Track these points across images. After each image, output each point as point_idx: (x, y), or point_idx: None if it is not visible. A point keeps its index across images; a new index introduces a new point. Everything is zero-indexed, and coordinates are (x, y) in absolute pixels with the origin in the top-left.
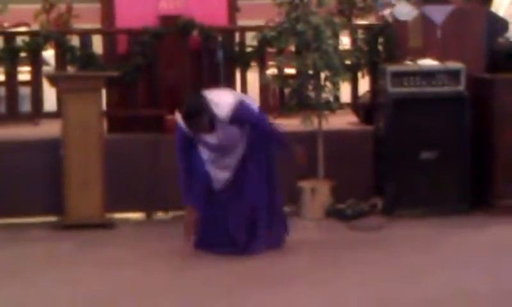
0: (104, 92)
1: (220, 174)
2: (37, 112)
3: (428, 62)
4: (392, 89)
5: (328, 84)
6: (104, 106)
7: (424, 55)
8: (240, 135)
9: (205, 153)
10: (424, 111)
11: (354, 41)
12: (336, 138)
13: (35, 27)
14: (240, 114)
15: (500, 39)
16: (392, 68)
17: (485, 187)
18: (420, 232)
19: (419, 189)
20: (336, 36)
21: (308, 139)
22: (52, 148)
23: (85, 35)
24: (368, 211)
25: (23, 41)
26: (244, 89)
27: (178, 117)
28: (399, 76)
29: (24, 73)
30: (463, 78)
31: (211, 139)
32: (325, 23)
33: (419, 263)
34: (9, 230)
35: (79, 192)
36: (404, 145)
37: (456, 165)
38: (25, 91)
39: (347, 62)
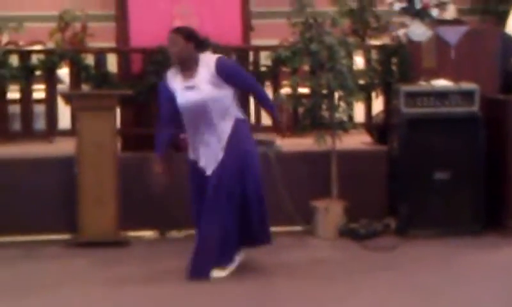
0: (118, 111)
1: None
2: (51, 130)
3: (442, 83)
4: (406, 110)
5: (342, 103)
6: (118, 125)
7: (437, 75)
8: (217, 100)
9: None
10: (437, 132)
11: (368, 61)
12: (349, 158)
13: (50, 45)
14: (226, 64)
15: None
16: (405, 88)
17: (499, 207)
18: (434, 252)
19: (433, 209)
20: (350, 56)
21: (321, 158)
22: (66, 166)
23: (100, 54)
24: (382, 231)
25: (38, 59)
26: (257, 107)
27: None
28: (412, 96)
29: (39, 91)
30: (476, 99)
31: (188, 82)
32: (339, 43)
33: (432, 283)
34: (23, 247)
35: (93, 209)
36: (418, 165)
37: (470, 186)
38: (39, 109)
39: (361, 82)
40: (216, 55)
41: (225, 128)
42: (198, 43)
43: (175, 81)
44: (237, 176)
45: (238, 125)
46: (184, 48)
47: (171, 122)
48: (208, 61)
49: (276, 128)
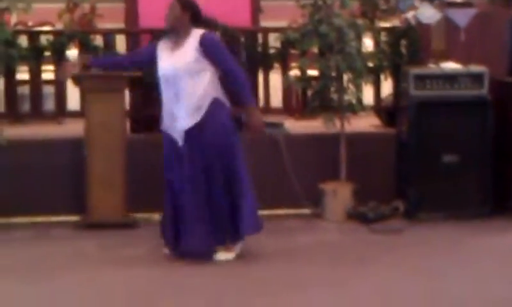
0: (126, 92)
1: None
2: (61, 111)
3: (451, 66)
4: (415, 92)
5: (351, 86)
6: (127, 106)
7: (447, 58)
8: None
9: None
10: (446, 114)
11: (377, 44)
12: (358, 140)
13: (59, 26)
14: (211, 39)
15: None
16: (414, 70)
17: (507, 191)
18: (442, 235)
19: (441, 193)
20: (359, 38)
21: (330, 141)
22: (75, 148)
23: (108, 35)
24: (390, 214)
25: (47, 40)
26: (266, 90)
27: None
28: (421, 79)
29: (48, 72)
30: (486, 82)
31: (174, 51)
32: (348, 25)
33: (440, 265)
34: (32, 229)
35: (102, 191)
36: (427, 148)
37: (478, 169)
38: (48, 90)
39: (370, 64)
40: (204, 30)
41: (200, 103)
42: (194, 15)
43: (164, 48)
44: (214, 156)
45: (215, 105)
46: (178, 16)
47: (134, 62)
48: (196, 34)
49: (248, 123)
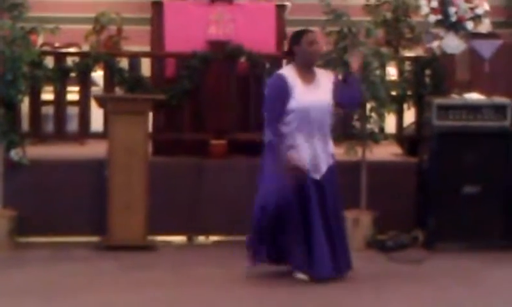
0: (150, 115)
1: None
2: (84, 133)
3: (474, 97)
4: (437, 122)
5: (373, 114)
6: (150, 129)
7: (471, 89)
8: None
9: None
10: (468, 145)
11: (401, 73)
12: (379, 169)
13: (85, 47)
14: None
15: None
16: (437, 100)
17: None
18: (461, 266)
19: (461, 223)
20: (383, 67)
21: (351, 169)
22: (97, 169)
23: (134, 57)
24: (410, 243)
25: (73, 61)
26: None
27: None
28: (444, 109)
29: (73, 93)
30: (509, 114)
31: (310, 84)
32: (372, 54)
33: (460, 297)
34: (52, 248)
35: (122, 213)
36: (448, 178)
37: (500, 201)
38: (73, 111)
39: (393, 93)
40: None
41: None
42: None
43: (295, 81)
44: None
45: None
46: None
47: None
48: (324, 73)
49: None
